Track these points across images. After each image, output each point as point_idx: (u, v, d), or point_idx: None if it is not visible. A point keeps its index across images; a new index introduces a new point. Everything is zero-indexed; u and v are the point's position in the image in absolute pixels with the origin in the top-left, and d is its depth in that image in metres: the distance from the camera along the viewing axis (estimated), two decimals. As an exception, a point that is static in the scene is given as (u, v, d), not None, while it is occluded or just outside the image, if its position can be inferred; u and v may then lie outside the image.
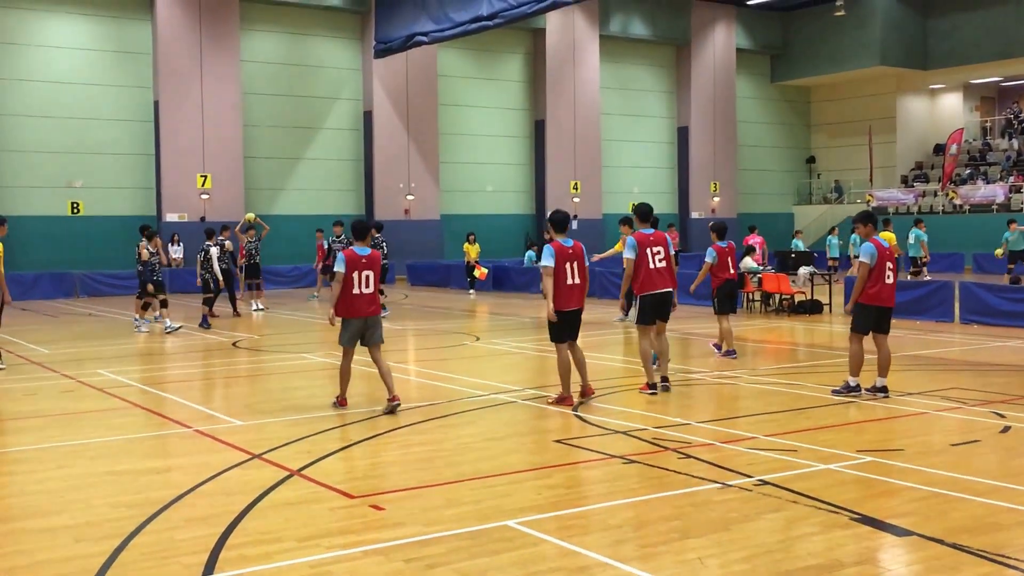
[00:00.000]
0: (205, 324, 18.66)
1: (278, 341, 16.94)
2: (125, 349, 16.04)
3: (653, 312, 10.54)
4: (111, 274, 28.25)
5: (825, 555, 5.44)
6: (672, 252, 10.80)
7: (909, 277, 24.10)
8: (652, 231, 10.56)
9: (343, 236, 21.81)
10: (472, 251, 27.52)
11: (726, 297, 13.61)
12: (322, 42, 33.11)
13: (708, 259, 13.66)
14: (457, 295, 27.35)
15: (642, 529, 5.96)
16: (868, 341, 10.48)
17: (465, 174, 35.83)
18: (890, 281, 10.15)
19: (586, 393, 10.23)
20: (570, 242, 9.95)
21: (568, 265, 9.79)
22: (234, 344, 16.32)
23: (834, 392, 10.42)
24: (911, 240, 25.13)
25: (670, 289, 10.53)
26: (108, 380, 12.28)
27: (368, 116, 33.43)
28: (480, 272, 26.24)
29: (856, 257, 27.18)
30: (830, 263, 27.46)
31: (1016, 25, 37.23)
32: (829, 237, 30.69)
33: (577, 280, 9.88)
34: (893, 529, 5.88)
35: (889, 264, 10.12)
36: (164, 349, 16.08)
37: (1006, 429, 8.75)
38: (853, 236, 28.09)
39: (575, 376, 10.19)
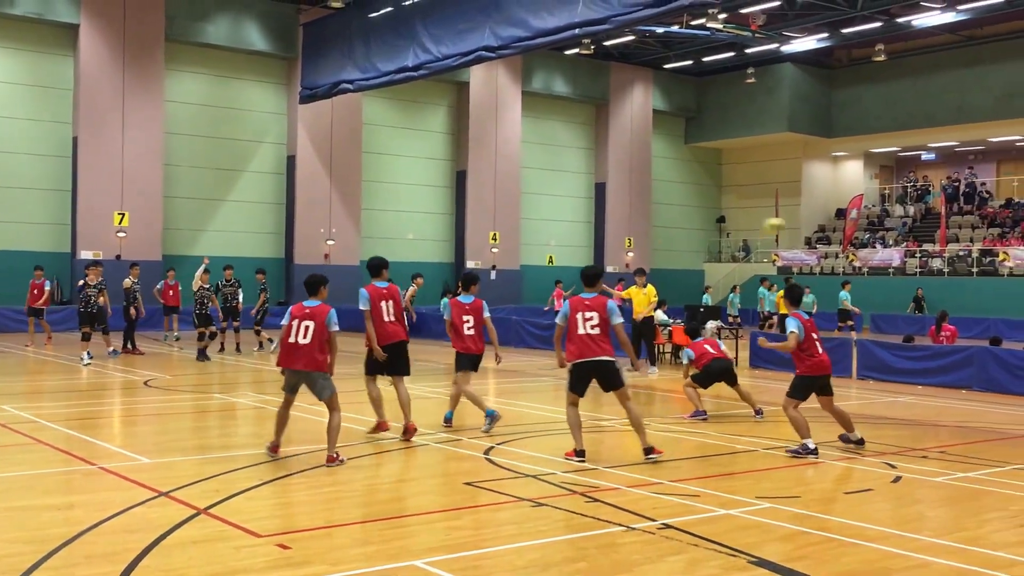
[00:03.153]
0: (202, 356, 19.24)
1: (190, 381, 16.58)
2: (31, 385, 15.52)
3: (578, 381, 9.60)
4: (19, 310, 27.37)
5: (723, 596, 5.51)
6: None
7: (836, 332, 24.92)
8: (593, 296, 9.73)
9: (232, 279, 21.52)
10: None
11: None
12: (248, 86, 32.92)
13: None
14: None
15: (547, 571, 5.96)
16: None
17: (386, 221, 35.79)
18: (821, 349, 10.23)
19: (408, 431, 10.53)
20: (385, 284, 10.64)
21: (384, 304, 10.48)
22: (146, 383, 15.92)
23: (790, 452, 10.14)
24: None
25: (599, 357, 9.47)
26: (12, 416, 11.86)
27: (292, 160, 33.24)
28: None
29: (768, 311, 28.06)
30: (731, 319, 28.01)
31: (913, 99, 38.93)
32: (731, 295, 31.36)
33: (392, 317, 10.55)
34: (789, 572, 5.99)
35: (814, 334, 10.23)
36: (74, 386, 15.60)
37: (897, 479, 9.01)
38: (761, 289, 28.89)
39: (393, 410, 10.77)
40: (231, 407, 13.18)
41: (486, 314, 11.33)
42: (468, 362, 11.35)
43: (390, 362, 10.53)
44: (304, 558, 6.09)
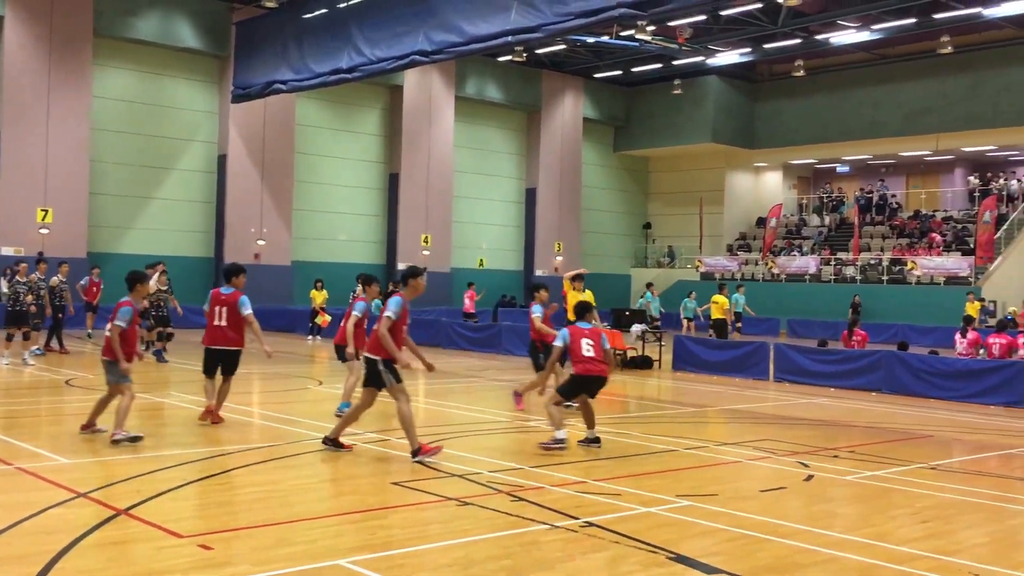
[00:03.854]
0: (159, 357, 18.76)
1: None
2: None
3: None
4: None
5: (641, 592, 5.55)
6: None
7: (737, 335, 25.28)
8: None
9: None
10: (319, 298, 27.12)
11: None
12: (179, 83, 32.27)
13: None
14: (302, 340, 26.83)
15: (470, 568, 5.93)
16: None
17: (318, 222, 35.40)
18: (590, 354, 10.19)
19: (214, 419, 11.09)
20: (229, 290, 11.12)
21: (217, 309, 11.09)
22: (67, 382, 15.48)
23: (543, 446, 10.16)
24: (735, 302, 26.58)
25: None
26: (-72, 414, 11.43)
27: (222, 160, 32.68)
28: (323, 319, 25.83)
29: (688, 319, 28.52)
30: (652, 321, 28.31)
31: (830, 114, 39.88)
32: (639, 299, 31.66)
33: (223, 322, 11.06)
34: (704, 567, 6.06)
35: (586, 339, 10.21)
36: (-7, 384, 15.10)
37: (809, 478, 9.19)
38: (684, 300, 29.36)
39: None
40: (157, 407, 12.89)
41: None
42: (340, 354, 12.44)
43: (217, 361, 11.17)
44: (226, 559, 5.97)
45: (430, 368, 9.51)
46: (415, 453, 9.22)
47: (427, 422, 12.62)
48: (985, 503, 8.36)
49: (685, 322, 29.07)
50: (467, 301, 30.61)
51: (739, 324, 27.44)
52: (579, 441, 10.46)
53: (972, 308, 26.29)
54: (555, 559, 6.17)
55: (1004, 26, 33.64)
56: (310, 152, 35.11)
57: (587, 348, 10.32)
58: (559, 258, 41.01)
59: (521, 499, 7.80)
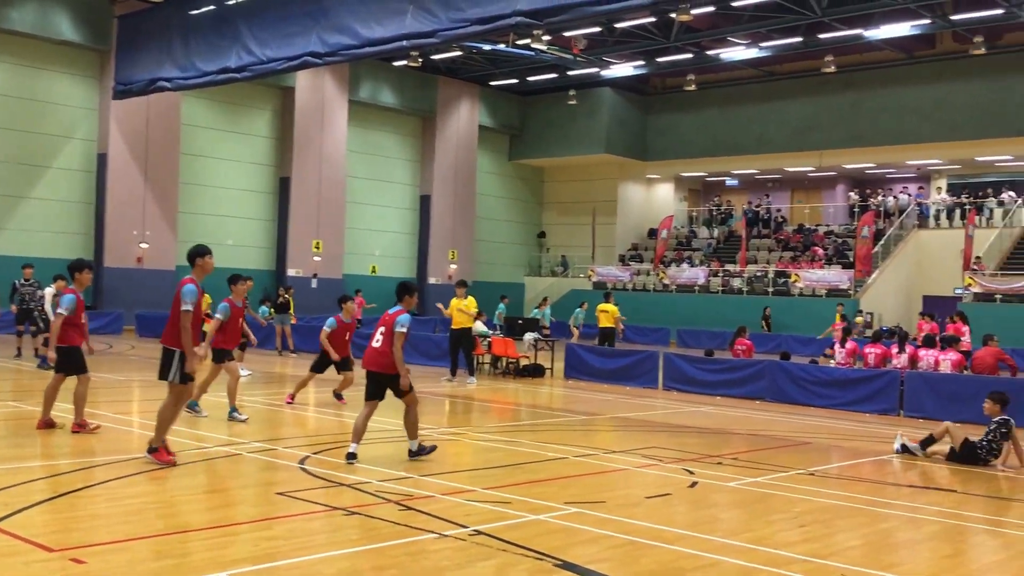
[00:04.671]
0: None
1: (-16, 387, 15.47)
2: None
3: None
4: None
5: (528, 599, 5.62)
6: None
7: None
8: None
9: (32, 279, 19.91)
10: (203, 304, 26.44)
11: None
12: (56, 77, 31.07)
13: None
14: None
15: (356, 578, 5.91)
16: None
17: (205, 225, 34.52)
18: (376, 344, 9.96)
19: (80, 427, 10.86)
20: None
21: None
22: (-68, 388, 14.74)
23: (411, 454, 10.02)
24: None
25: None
26: None
27: (103, 158, 31.60)
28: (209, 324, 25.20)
29: (577, 328, 28.93)
30: (544, 330, 28.62)
31: (720, 129, 41.05)
32: (535, 310, 31.97)
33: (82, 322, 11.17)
34: (590, 574, 6.16)
35: (381, 328, 9.98)
36: None
37: (694, 484, 9.44)
38: (576, 311, 29.80)
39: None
40: (26, 416, 12.38)
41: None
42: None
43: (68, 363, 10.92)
44: (100, 572, 5.79)
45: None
46: (151, 450, 9.22)
47: (319, 431, 12.49)
48: (859, 507, 8.73)
49: (575, 331, 29.50)
50: (357, 309, 30.33)
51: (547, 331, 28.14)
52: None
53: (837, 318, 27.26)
54: (443, 568, 6.18)
55: (884, 48, 35.24)
56: (197, 153, 34.28)
57: (377, 338, 9.92)
58: (453, 266, 41.04)
59: (410, 508, 7.79)
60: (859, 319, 28.34)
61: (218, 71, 25.32)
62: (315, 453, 10.26)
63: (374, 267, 39.63)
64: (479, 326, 21.89)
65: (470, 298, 19.18)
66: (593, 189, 44.79)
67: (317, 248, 36.56)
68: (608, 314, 23.92)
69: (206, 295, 27.37)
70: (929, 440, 11.60)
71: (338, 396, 14.81)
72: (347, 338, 14.54)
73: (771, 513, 8.37)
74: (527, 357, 21.18)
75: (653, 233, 43.58)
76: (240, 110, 35.41)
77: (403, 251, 40.92)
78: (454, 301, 19.15)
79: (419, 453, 9.99)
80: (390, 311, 10.10)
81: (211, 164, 34.76)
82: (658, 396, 18.11)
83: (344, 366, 14.38)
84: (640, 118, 43.45)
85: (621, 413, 15.31)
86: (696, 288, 38.58)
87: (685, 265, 40.37)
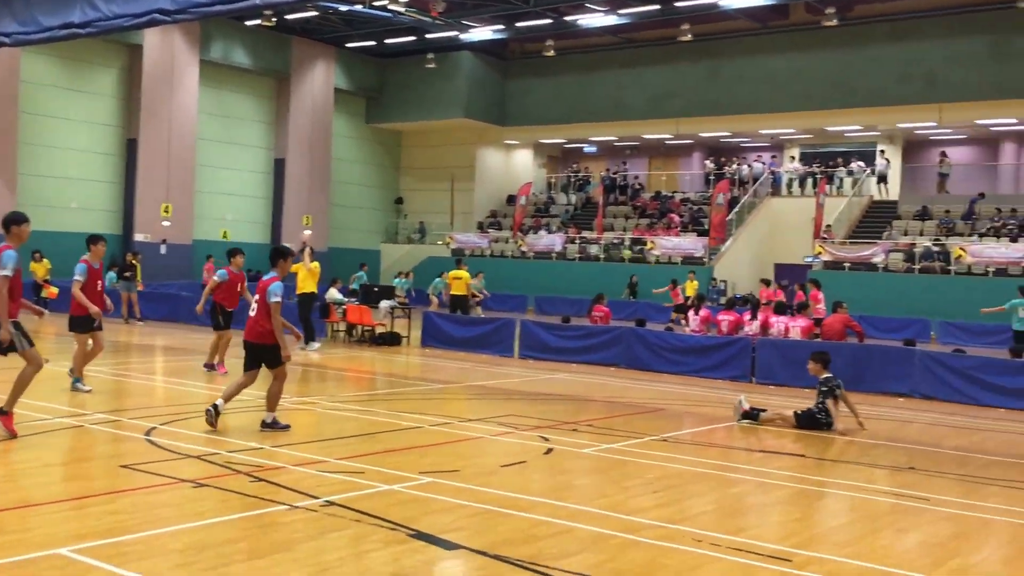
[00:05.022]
0: None
1: None
2: None
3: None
4: None
5: (381, 570, 5.62)
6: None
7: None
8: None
9: None
10: (40, 269, 25.22)
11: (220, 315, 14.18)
12: None
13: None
14: (25, 315, 24.80)
15: (204, 552, 5.77)
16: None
17: (47, 188, 32.72)
18: (251, 314, 9.94)
19: None
20: None
21: None
22: None
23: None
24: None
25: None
26: None
27: (-74, 114, 29.51)
28: (49, 292, 24.03)
29: (436, 296, 28.91)
30: (399, 300, 28.49)
31: (579, 95, 41.52)
32: (397, 279, 31.87)
33: None
34: (444, 543, 6.21)
35: (257, 296, 9.97)
36: None
37: (549, 451, 9.63)
38: (436, 280, 29.80)
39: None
40: None
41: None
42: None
43: None
44: (-77, 557, 5.48)
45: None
46: (1, 413, 8.96)
47: (167, 401, 12.12)
48: (711, 472, 9.07)
49: (434, 300, 29.51)
50: (206, 274, 29.53)
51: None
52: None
53: (691, 287, 28.16)
54: (294, 540, 6.12)
55: (739, 17, 36.29)
56: (37, 112, 32.41)
57: (253, 307, 9.92)
58: (308, 231, 40.25)
59: (261, 479, 7.66)
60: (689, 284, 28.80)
61: (60, 26, 23.83)
62: (162, 424, 9.96)
63: (225, 232, 38.49)
64: (334, 293, 21.65)
65: (315, 263, 18.92)
66: (452, 154, 44.69)
67: (166, 212, 35.24)
68: (461, 281, 23.99)
69: (45, 260, 26.04)
70: (753, 416, 12.01)
71: (211, 367, 14.47)
72: (239, 290, 14.25)
73: (625, 479, 8.61)
74: (383, 325, 21.07)
75: (512, 200, 43.86)
76: (84, 67, 33.63)
77: (256, 216, 39.90)
78: (298, 265, 18.81)
79: (272, 426, 9.88)
80: (264, 278, 10.01)
81: (53, 124, 32.94)
82: (515, 364, 18.32)
83: (226, 324, 14.24)
84: (499, 83, 43.51)
85: (478, 381, 15.43)
86: (554, 255, 39.11)
87: (543, 232, 40.82)
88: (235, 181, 39.00)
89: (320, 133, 41.15)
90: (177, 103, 35.39)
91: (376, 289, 23.14)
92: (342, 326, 21.58)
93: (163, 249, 34.87)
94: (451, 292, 24.32)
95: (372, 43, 40.80)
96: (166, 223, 35.16)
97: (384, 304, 21.68)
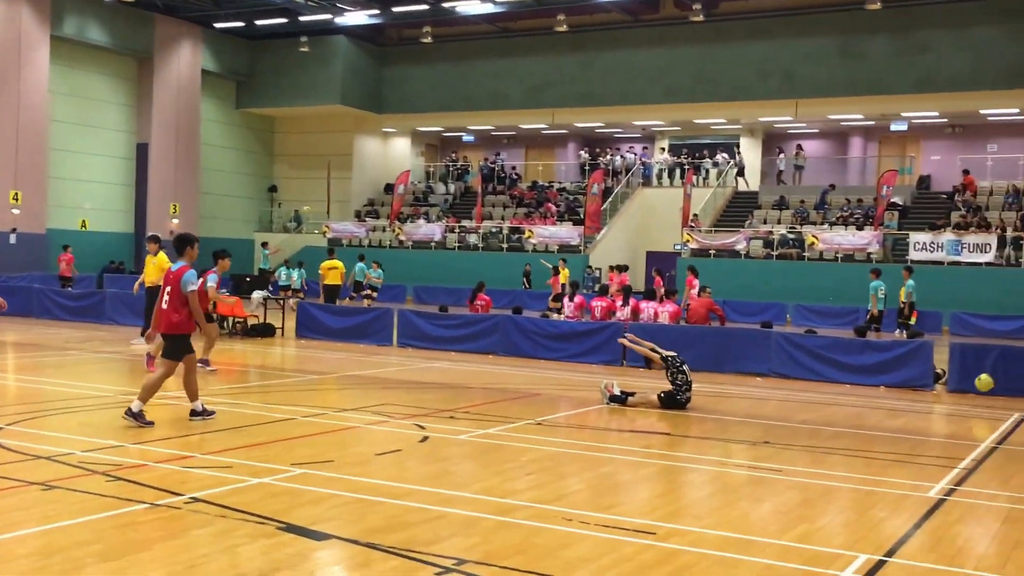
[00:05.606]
0: None
1: None
2: None
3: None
4: None
5: (247, 565, 5.48)
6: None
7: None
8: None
9: None
10: None
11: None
12: None
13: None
14: None
15: (53, 557, 5.50)
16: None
17: None
18: (163, 306, 9.95)
19: None
20: None
21: None
22: None
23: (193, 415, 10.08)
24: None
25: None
26: None
27: None
28: None
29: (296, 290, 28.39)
30: (283, 290, 27.91)
31: (457, 84, 41.40)
32: (288, 269, 31.21)
33: None
34: (315, 534, 6.10)
35: (168, 288, 9.95)
36: None
37: (424, 439, 9.58)
38: (296, 270, 29.36)
39: None
40: None
41: None
42: None
43: None
44: None
45: None
46: None
47: (17, 400, 11.54)
48: (583, 454, 9.21)
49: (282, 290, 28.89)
50: (63, 266, 28.36)
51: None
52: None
53: (564, 274, 28.47)
54: (154, 539, 5.90)
55: (612, 10, 36.86)
56: None
57: (165, 299, 9.95)
58: (176, 220, 39.01)
59: (119, 479, 7.36)
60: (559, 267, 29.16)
61: None
62: (10, 424, 9.48)
63: (84, 221, 36.93)
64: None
65: (161, 254, 18.30)
66: (327, 142, 43.97)
67: (15, 200, 33.54)
68: (336, 271, 23.67)
69: None
70: (621, 399, 12.25)
71: (204, 362, 14.02)
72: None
73: (500, 463, 8.64)
74: (256, 316, 20.59)
75: (389, 188, 43.49)
76: (-80, 42, 31.69)
77: (118, 204, 38.36)
78: (148, 258, 18.17)
79: (202, 414, 10.01)
80: (173, 268, 10.02)
81: None
82: (393, 353, 18.18)
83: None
84: (376, 69, 43.01)
85: (354, 371, 15.24)
86: (433, 244, 38.98)
87: (421, 221, 40.63)
88: (94, 167, 37.41)
89: (187, 118, 39.83)
90: (26, 82, 33.60)
91: (248, 279, 22.59)
92: (213, 318, 20.96)
93: (13, 239, 33.23)
94: (325, 282, 23.96)
95: (241, 24, 39.72)
96: (16, 211, 33.46)
97: (257, 294, 21.19)
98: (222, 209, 42.72)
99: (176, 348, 9.87)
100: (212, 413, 10.13)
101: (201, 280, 12.42)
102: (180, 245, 10.13)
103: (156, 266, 17.84)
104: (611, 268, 27.91)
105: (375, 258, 31.24)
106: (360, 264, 29.03)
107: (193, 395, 10.04)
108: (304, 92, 41.86)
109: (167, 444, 8.78)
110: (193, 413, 10.01)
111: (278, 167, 45.83)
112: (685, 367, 12.24)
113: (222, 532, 6.09)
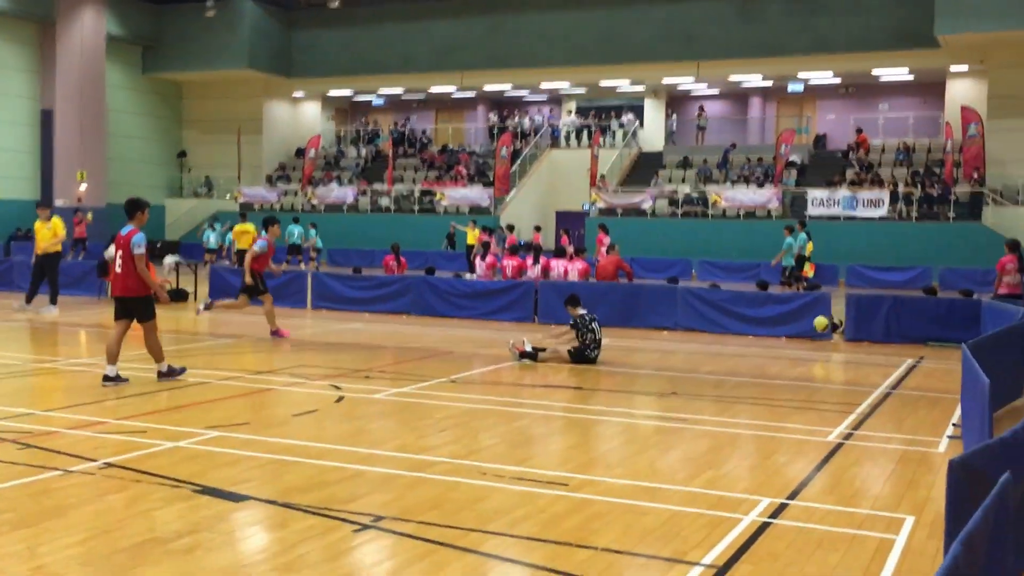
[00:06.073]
0: None
1: None
2: None
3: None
4: None
5: (163, 528, 5.36)
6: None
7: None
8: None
9: None
10: None
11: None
12: None
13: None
14: None
15: (-37, 527, 5.31)
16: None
17: None
18: (117, 269, 10.00)
19: None
20: None
21: None
22: None
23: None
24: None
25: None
26: None
27: None
28: None
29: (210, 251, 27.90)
30: (207, 257, 27.31)
31: (365, 47, 40.63)
32: (207, 232, 30.50)
33: None
34: (232, 496, 6.00)
35: (120, 252, 9.95)
36: None
37: (340, 399, 9.48)
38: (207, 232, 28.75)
39: None
40: None
41: None
42: None
43: None
44: None
45: None
46: None
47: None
48: (497, 409, 9.24)
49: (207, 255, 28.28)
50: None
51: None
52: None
53: (472, 235, 28.46)
54: (68, 505, 5.73)
55: (518, -26, 36.55)
56: None
57: (118, 263, 9.94)
58: (83, 187, 37.65)
59: (30, 446, 7.13)
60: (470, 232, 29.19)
61: None
62: (-85, 396, 9.07)
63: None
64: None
65: (55, 219, 17.73)
66: (237, 107, 42.83)
67: (-85, 168, 31.98)
68: (248, 234, 23.25)
69: None
70: (531, 355, 12.26)
71: (276, 333, 14.30)
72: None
73: (416, 421, 8.61)
74: (168, 282, 20.05)
75: (301, 153, 42.68)
76: None
77: (22, 171, 36.85)
78: (38, 224, 17.58)
79: (169, 374, 10.03)
80: (123, 231, 9.94)
81: None
82: (307, 315, 17.95)
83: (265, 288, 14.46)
84: (284, 33, 41.95)
85: (269, 335, 14.98)
86: (345, 208, 38.48)
87: (333, 185, 40.04)
88: (-3, 134, 35.84)
89: (92, 83, 38.24)
90: (-76, 49, 31.96)
91: (159, 244, 21.98)
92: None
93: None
94: (238, 247, 23.47)
95: (145, -12, 38.26)
96: (-82, 180, 31.93)
97: (169, 259, 20.64)
98: (131, 176, 41.32)
99: (146, 309, 9.95)
100: (183, 370, 10.26)
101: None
102: (131, 209, 10.10)
103: (51, 231, 17.27)
104: (535, 229, 27.96)
105: (286, 221, 30.68)
106: (295, 226, 28.75)
107: (159, 356, 10.15)
108: (211, 56, 40.62)
109: (80, 411, 8.52)
110: (160, 375, 10.13)
111: (187, 133, 44.54)
112: (595, 324, 12.31)
113: (137, 497, 5.94)
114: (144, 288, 9.95)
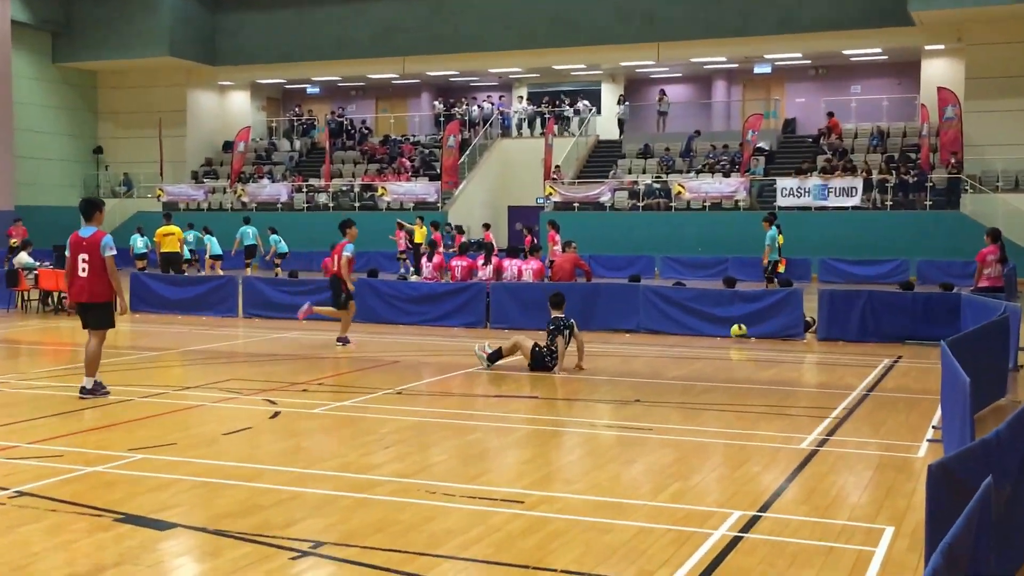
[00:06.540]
0: None
1: None
2: None
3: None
4: None
5: (83, 561, 5.29)
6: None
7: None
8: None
9: None
10: None
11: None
12: None
13: None
14: None
15: None
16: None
17: None
18: (81, 273, 10.03)
19: None
20: None
21: None
22: None
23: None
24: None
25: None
26: None
27: None
28: None
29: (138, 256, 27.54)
30: (138, 264, 26.75)
31: (297, 30, 40.33)
32: (135, 236, 30.04)
33: None
34: (158, 524, 5.94)
35: (83, 256, 9.99)
36: None
37: (276, 415, 9.42)
38: (134, 236, 28.41)
39: None
40: None
41: None
42: None
43: None
44: None
45: None
46: None
47: None
48: (447, 422, 9.23)
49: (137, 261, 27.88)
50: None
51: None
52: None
53: (420, 233, 28.42)
54: (-25, 540, 5.62)
55: (463, -50, 36.50)
56: None
57: (82, 267, 9.99)
58: (-12, 188, 36.93)
59: (-68, 476, 6.98)
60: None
61: None
62: None
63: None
64: (24, 258, 20.27)
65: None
66: (157, 97, 42.28)
67: None
68: (172, 237, 23.01)
69: None
70: (497, 354, 12.35)
71: (344, 340, 14.56)
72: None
73: (358, 437, 8.58)
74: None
75: (229, 146, 42.25)
76: None
77: (-80, 171, 36.06)
78: None
79: (93, 392, 9.95)
80: (82, 233, 9.98)
81: None
82: (239, 324, 17.80)
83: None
84: (208, 17, 41.51)
85: (196, 346, 14.84)
86: (279, 205, 38.19)
87: (265, 181, 39.72)
88: None
89: (-5, 73, 37.58)
90: None
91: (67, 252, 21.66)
92: (35, 294, 20.08)
93: None
94: (162, 250, 23.23)
95: (53, -32, 37.64)
96: None
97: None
98: (42, 174, 40.66)
99: (105, 317, 10.06)
100: (107, 392, 10.17)
101: (335, 252, 14.50)
102: (89, 209, 10.16)
103: None
104: (484, 226, 28.01)
105: (207, 223, 30.41)
106: (248, 227, 29.01)
107: (92, 370, 10.08)
108: (129, 43, 40.04)
109: (-14, 436, 8.37)
110: (83, 391, 10.02)
111: (103, 126, 43.89)
112: (567, 332, 12.25)
113: (54, 527, 5.86)
114: (110, 293, 10.06)
